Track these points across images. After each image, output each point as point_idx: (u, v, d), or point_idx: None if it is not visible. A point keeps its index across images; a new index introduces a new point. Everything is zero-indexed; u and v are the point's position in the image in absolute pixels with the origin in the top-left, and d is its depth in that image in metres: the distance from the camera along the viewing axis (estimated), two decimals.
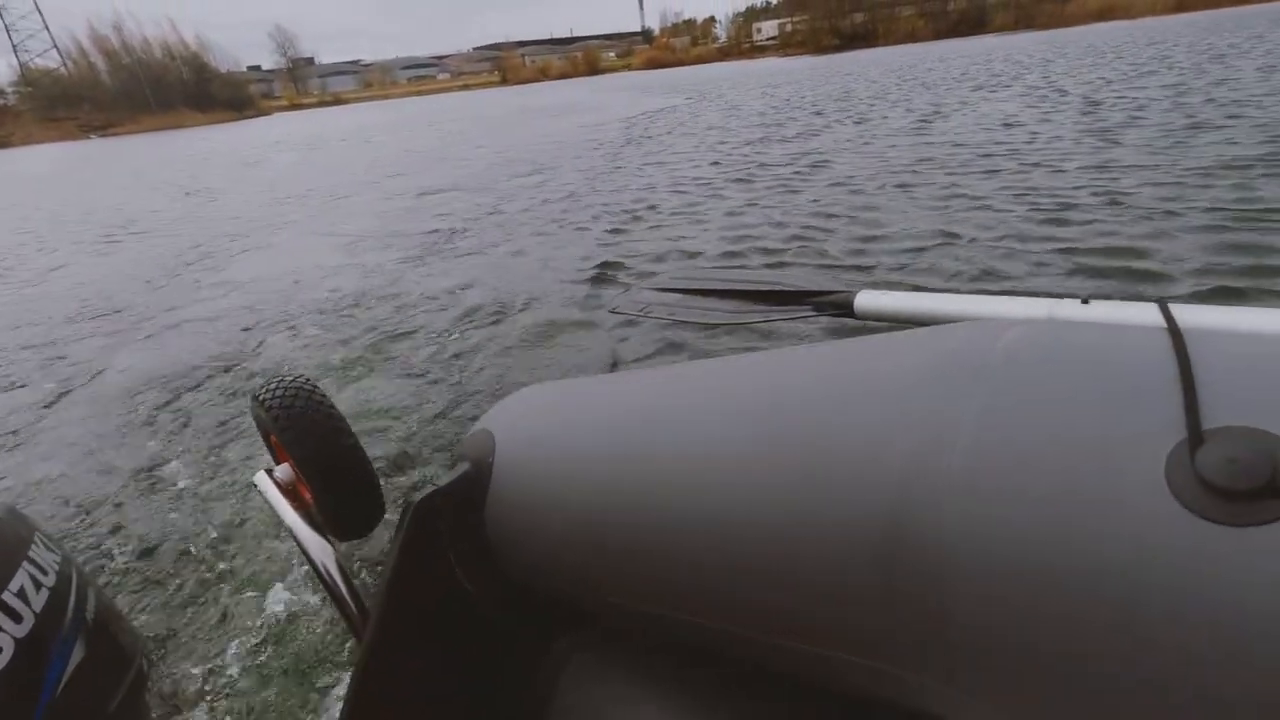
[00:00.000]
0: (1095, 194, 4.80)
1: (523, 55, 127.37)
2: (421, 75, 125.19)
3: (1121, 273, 3.39)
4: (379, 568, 1.78)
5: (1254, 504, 0.31)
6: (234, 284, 5.31)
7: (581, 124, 16.01)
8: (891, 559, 0.40)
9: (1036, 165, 5.97)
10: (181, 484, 2.48)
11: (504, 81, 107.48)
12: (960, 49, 34.75)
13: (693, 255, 4.63)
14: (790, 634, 0.48)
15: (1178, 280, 3.20)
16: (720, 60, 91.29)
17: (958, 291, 3.24)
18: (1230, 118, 6.96)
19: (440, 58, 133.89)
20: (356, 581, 0.95)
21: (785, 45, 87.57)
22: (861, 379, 0.48)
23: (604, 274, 4.38)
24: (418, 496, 0.64)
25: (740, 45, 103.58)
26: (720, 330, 3.10)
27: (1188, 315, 0.47)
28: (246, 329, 4.16)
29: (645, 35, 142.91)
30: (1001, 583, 0.36)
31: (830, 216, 5.10)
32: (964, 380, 0.42)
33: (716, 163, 8.06)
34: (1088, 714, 0.35)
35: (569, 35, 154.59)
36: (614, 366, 3.03)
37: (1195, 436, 0.33)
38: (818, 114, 12.07)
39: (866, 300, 0.80)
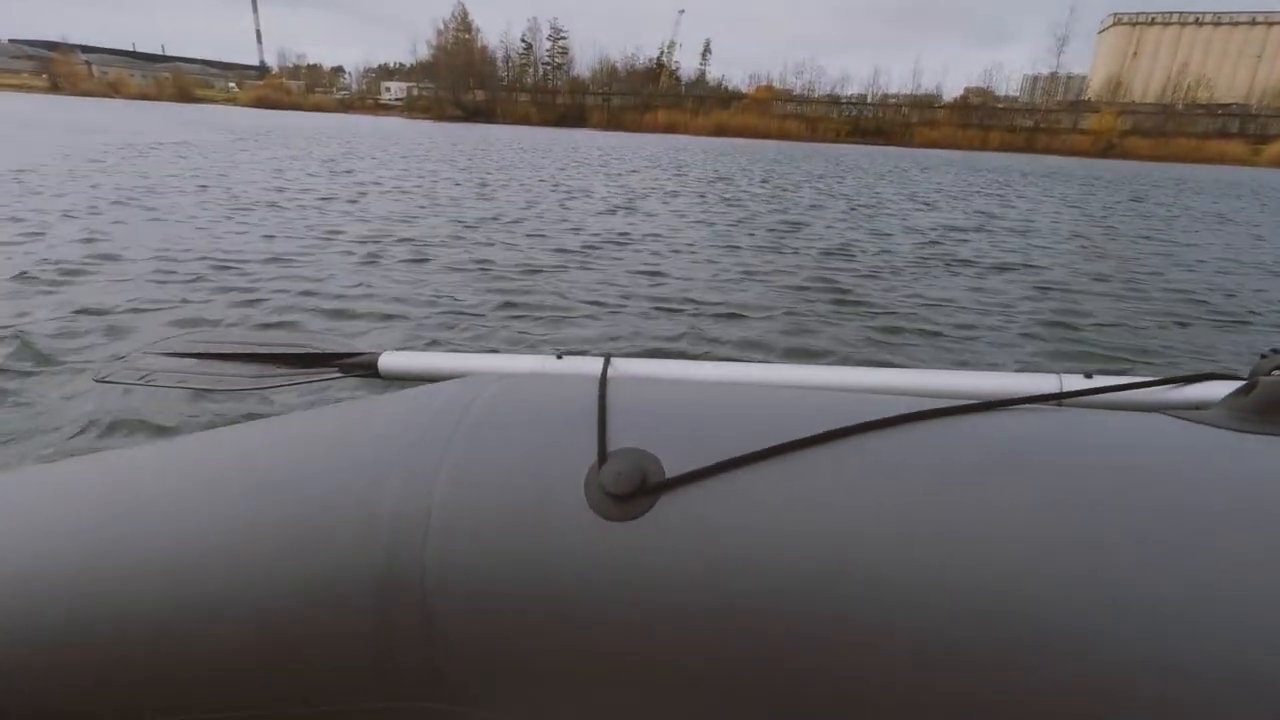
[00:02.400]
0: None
1: (88, 62, 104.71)
2: None
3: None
4: None
5: (631, 503, 0.43)
6: None
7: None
8: (386, 606, 0.45)
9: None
10: None
11: (55, 89, 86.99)
12: (552, 138, 40.57)
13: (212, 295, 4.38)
14: (285, 699, 0.49)
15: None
16: (339, 112, 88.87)
17: (472, 350, 3.46)
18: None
19: None
20: None
21: (411, 108, 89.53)
22: (359, 439, 0.53)
23: (89, 328, 3.84)
24: None
25: (365, 100, 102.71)
26: (243, 396, 2.82)
27: (618, 367, 0.65)
28: None
29: (261, 71, 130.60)
30: (481, 605, 0.44)
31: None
32: (445, 433, 0.50)
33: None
34: (578, 698, 0.44)
35: (160, 53, 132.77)
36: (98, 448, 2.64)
37: (602, 457, 0.45)
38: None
39: (390, 361, 0.85)
